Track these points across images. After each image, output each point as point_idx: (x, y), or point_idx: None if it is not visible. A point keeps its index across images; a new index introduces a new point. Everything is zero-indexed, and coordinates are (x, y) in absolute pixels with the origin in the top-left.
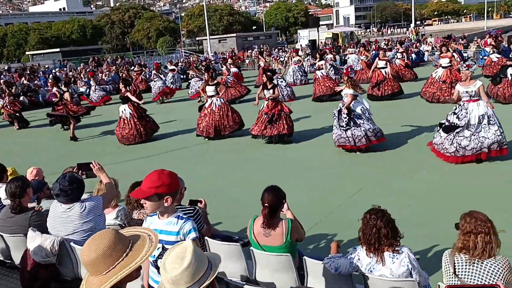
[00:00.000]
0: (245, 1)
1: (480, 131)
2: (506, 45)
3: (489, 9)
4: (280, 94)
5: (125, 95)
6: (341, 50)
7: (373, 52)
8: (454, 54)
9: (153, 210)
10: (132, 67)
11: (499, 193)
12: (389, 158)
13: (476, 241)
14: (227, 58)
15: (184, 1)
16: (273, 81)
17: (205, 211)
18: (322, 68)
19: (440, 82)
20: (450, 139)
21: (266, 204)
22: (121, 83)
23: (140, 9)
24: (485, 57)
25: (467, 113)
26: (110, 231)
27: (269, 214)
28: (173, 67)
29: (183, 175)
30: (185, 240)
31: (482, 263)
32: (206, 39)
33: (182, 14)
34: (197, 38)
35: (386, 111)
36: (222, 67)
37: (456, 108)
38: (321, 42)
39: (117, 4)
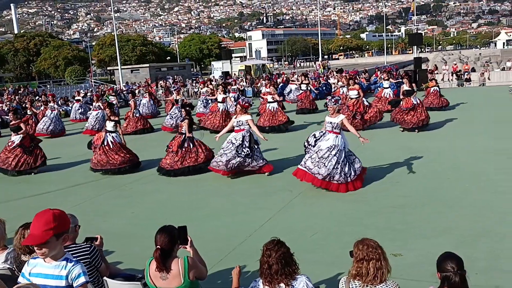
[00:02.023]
0: (159, 32)
1: (326, 160)
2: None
3: (389, 46)
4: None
5: (18, 125)
6: (254, 81)
7: (281, 84)
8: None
9: (51, 254)
10: (37, 97)
11: (389, 216)
12: (295, 184)
13: (368, 267)
14: (137, 89)
15: (95, 30)
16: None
17: (101, 249)
18: (225, 102)
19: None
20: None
21: (158, 247)
22: (11, 113)
23: (47, 37)
24: (379, 88)
25: (323, 140)
26: None
27: (161, 256)
28: (79, 97)
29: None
30: (73, 285)
31: None
32: (118, 69)
33: (93, 43)
34: (108, 68)
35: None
36: (130, 99)
37: (318, 133)
38: (234, 74)
39: (21, 31)
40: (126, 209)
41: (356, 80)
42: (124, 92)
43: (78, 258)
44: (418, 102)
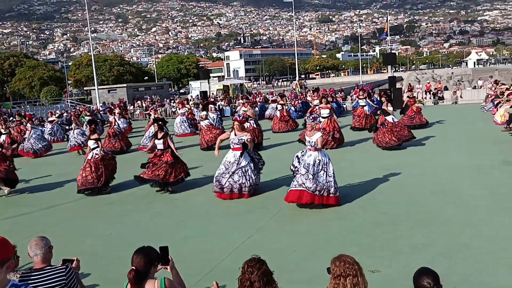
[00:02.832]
0: (136, 52)
1: (317, 175)
2: (378, 97)
3: (364, 65)
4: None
5: None
6: (231, 100)
7: (259, 103)
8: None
9: None
10: (11, 118)
11: (367, 232)
12: (273, 203)
13: (345, 283)
14: (114, 108)
15: (72, 51)
16: (164, 130)
17: (78, 272)
18: (207, 119)
19: (322, 130)
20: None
21: (133, 267)
22: None
23: (22, 57)
24: (356, 108)
25: (307, 158)
26: None
27: (135, 278)
28: (52, 118)
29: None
30: None
31: None
32: (95, 89)
33: (70, 64)
34: (85, 88)
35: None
36: (109, 117)
37: (300, 153)
38: (212, 93)
39: None
40: (104, 230)
41: (328, 99)
42: (101, 112)
43: (53, 280)
44: (395, 121)
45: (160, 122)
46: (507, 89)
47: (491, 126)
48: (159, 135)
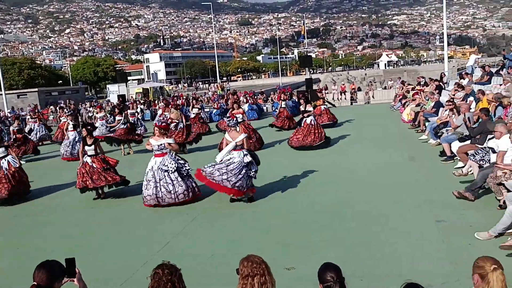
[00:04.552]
0: (49, 55)
1: (238, 174)
2: (296, 99)
3: (284, 67)
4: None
5: None
6: (151, 104)
7: (181, 106)
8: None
9: None
10: None
11: (284, 231)
12: (191, 208)
13: (253, 283)
14: (27, 114)
15: None
16: (93, 136)
17: None
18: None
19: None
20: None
21: (34, 283)
22: None
23: None
24: (277, 109)
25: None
26: None
27: None
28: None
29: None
30: None
31: None
32: (2, 94)
33: None
34: None
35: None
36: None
37: (227, 155)
38: (132, 97)
39: None
40: (13, 244)
41: (240, 104)
42: (9, 119)
43: None
44: (314, 122)
45: (89, 127)
46: (412, 89)
47: (399, 124)
48: (89, 141)
